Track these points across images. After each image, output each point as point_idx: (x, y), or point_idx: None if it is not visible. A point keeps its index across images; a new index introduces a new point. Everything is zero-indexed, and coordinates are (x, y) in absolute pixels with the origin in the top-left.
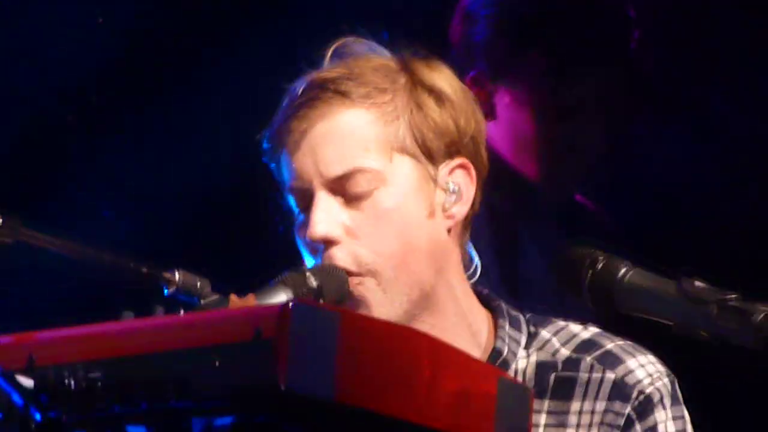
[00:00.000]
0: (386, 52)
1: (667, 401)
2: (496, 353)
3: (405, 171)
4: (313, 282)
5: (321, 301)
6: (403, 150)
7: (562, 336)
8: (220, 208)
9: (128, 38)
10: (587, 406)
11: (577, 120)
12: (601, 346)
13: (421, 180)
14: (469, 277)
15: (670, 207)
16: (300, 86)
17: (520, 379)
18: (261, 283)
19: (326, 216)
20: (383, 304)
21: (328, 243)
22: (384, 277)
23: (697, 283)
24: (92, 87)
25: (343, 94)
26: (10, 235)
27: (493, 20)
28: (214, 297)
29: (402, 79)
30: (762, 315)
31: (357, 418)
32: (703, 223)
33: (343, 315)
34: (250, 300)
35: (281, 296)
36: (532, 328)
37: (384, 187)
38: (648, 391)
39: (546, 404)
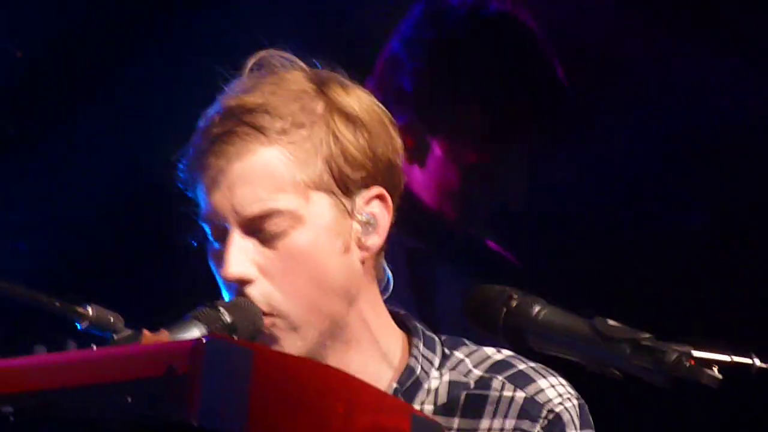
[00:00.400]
0: (304, 70)
1: (577, 422)
2: (408, 372)
3: (321, 209)
4: (227, 318)
5: (234, 337)
6: (320, 187)
7: (475, 357)
8: (135, 241)
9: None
10: (497, 423)
11: (503, 178)
12: (512, 367)
13: (337, 216)
14: (383, 293)
15: (582, 244)
16: (216, 114)
17: (432, 398)
18: (174, 318)
19: (240, 256)
20: (294, 341)
21: (241, 283)
22: (295, 317)
23: (610, 322)
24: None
25: (260, 130)
26: None
27: (425, 73)
28: (127, 332)
29: (319, 107)
30: (675, 355)
31: None
32: (616, 260)
33: (256, 351)
34: (164, 336)
35: (194, 332)
36: (446, 350)
37: (299, 227)
38: (557, 410)
39: (456, 422)
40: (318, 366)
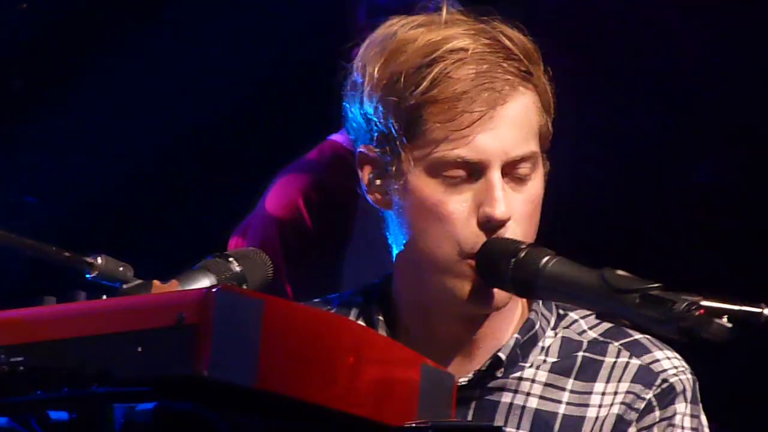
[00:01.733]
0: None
1: (689, 395)
2: (528, 325)
3: (542, 159)
4: (237, 267)
5: (244, 287)
6: (542, 137)
7: (590, 320)
8: (144, 193)
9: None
10: (610, 387)
11: None
12: (629, 335)
13: (544, 167)
14: None
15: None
16: (478, 50)
17: (545, 355)
18: (184, 268)
19: (505, 196)
20: None
21: (501, 224)
22: None
23: (620, 273)
24: (11, 69)
25: (526, 75)
26: None
27: None
28: (137, 282)
29: (538, 57)
30: (684, 304)
31: (280, 405)
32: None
33: (266, 302)
34: (174, 285)
35: (204, 281)
36: (560, 310)
37: (537, 173)
38: (672, 380)
39: (570, 383)
40: (329, 316)
